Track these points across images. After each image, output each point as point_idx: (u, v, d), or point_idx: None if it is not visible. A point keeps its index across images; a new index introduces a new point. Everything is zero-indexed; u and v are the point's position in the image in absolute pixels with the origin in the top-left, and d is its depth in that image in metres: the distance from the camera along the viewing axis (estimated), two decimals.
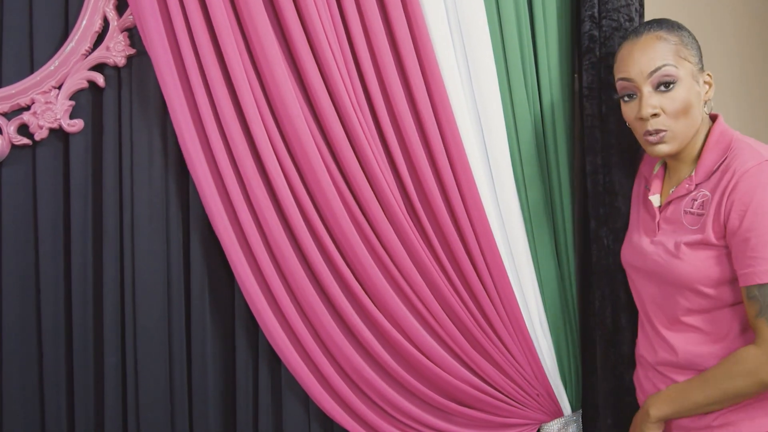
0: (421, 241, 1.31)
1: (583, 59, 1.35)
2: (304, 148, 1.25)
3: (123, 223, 1.32)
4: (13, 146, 1.29)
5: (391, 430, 1.34)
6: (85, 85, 1.30)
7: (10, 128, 1.28)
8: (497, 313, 1.35)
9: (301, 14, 1.23)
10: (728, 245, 1.07)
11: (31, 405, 1.32)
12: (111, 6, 1.30)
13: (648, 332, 1.22)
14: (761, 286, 1.02)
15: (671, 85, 1.11)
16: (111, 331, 1.32)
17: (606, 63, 1.32)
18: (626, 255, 1.26)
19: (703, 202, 1.11)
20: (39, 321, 1.32)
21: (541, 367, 1.37)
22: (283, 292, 1.28)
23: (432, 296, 1.32)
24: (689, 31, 1.16)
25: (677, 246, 1.12)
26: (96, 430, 1.33)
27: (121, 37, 1.30)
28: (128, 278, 1.32)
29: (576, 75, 1.42)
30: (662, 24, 1.16)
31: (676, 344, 1.15)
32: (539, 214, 1.37)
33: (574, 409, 1.42)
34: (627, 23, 1.32)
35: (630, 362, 1.34)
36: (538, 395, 1.39)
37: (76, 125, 1.30)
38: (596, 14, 1.33)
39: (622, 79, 1.16)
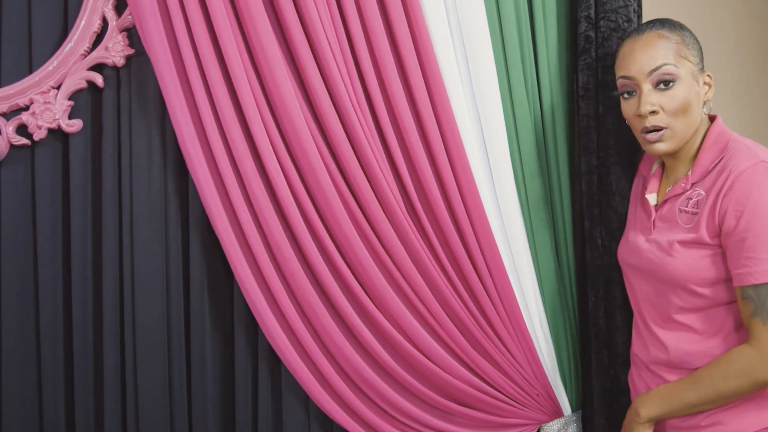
0: (421, 241, 1.31)
1: (578, 60, 1.35)
2: (304, 148, 1.25)
3: (122, 224, 1.32)
4: (12, 146, 1.29)
5: (391, 430, 1.34)
6: (84, 85, 1.30)
7: (9, 128, 1.28)
8: (497, 313, 1.35)
9: (301, 14, 1.23)
10: (723, 245, 1.08)
11: (30, 405, 1.31)
12: (110, 6, 1.29)
13: (641, 331, 1.23)
14: (756, 286, 1.03)
15: (671, 84, 1.12)
16: (110, 331, 1.32)
17: (604, 63, 1.32)
18: (622, 253, 1.27)
19: (697, 201, 1.12)
20: (38, 321, 1.31)
21: (541, 367, 1.37)
22: (283, 292, 1.28)
23: (432, 296, 1.32)
24: (691, 32, 1.17)
25: (670, 244, 1.13)
26: (95, 431, 1.33)
27: (120, 37, 1.30)
28: (127, 278, 1.32)
29: (575, 75, 1.42)
30: (664, 23, 1.16)
31: (667, 342, 1.15)
32: (539, 214, 1.37)
33: (573, 410, 1.42)
34: (625, 24, 1.32)
35: (625, 362, 1.34)
36: (538, 395, 1.39)
37: (74, 125, 1.30)
38: (593, 15, 1.33)
39: (623, 77, 1.16)
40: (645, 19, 1.35)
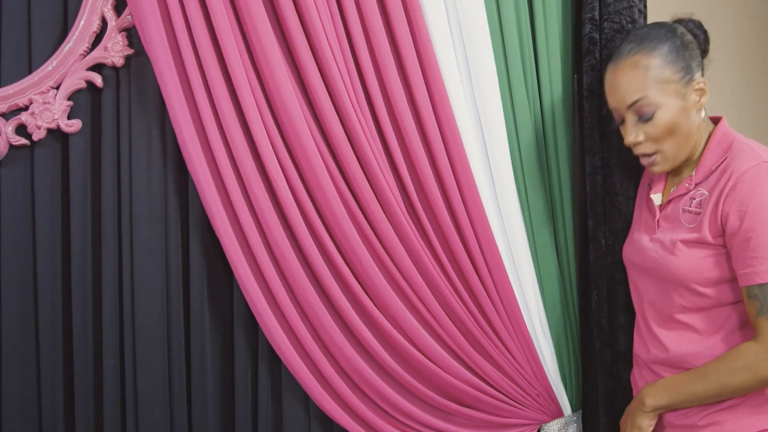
0: (421, 241, 1.31)
1: (583, 61, 1.35)
2: (304, 148, 1.24)
3: (122, 224, 1.32)
4: (11, 146, 1.29)
5: (391, 430, 1.34)
6: (84, 85, 1.30)
7: (8, 128, 1.27)
8: (497, 313, 1.35)
9: (301, 14, 1.22)
10: (727, 245, 1.08)
11: (29, 406, 1.31)
12: (109, 6, 1.29)
13: (642, 331, 1.24)
14: (762, 285, 1.04)
15: (651, 114, 1.12)
16: (110, 331, 1.32)
17: (608, 65, 1.32)
18: (627, 252, 1.28)
19: (700, 201, 1.12)
20: (37, 322, 1.31)
21: (541, 367, 1.37)
22: (283, 292, 1.28)
23: (432, 296, 1.32)
24: (677, 38, 1.14)
25: (674, 243, 1.13)
26: (95, 431, 1.33)
27: (119, 37, 1.30)
28: (127, 279, 1.32)
29: (575, 76, 1.42)
30: (643, 42, 1.14)
31: (667, 342, 1.16)
32: (539, 214, 1.37)
33: (574, 410, 1.42)
34: (629, 25, 1.32)
35: (627, 361, 1.34)
36: (538, 395, 1.39)
37: (74, 125, 1.29)
38: (597, 17, 1.34)
39: (611, 106, 1.20)
40: (650, 20, 1.34)
